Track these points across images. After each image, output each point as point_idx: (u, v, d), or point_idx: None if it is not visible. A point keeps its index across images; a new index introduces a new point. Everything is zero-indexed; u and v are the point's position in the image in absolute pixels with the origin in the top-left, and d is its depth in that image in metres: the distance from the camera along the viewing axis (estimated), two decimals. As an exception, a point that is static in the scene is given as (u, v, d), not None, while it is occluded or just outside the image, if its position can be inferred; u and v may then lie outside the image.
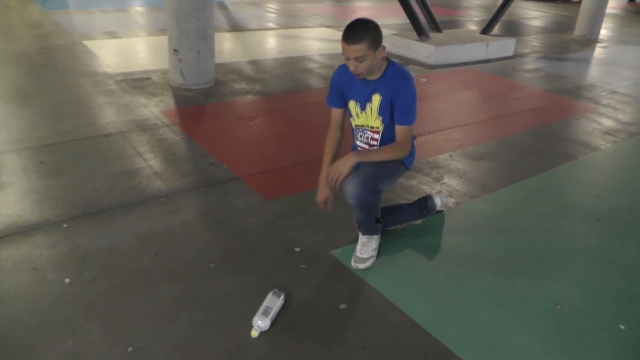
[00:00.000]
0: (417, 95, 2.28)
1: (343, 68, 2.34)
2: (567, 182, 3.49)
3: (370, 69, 2.20)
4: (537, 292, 2.30)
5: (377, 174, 2.29)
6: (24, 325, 1.94)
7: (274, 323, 2.00)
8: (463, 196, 3.15)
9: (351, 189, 2.22)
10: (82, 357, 1.81)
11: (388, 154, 2.31)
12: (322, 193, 2.36)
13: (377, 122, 2.34)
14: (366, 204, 2.29)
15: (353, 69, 2.16)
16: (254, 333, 1.94)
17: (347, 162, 2.20)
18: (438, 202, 2.82)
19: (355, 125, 2.44)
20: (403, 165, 2.43)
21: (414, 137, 2.49)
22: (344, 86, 2.36)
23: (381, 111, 2.29)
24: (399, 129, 2.30)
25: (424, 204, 2.77)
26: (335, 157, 2.39)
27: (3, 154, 3.32)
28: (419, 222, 2.79)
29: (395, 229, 2.69)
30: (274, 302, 2.05)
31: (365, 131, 2.41)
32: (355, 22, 2.13)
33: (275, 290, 2.12)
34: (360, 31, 2.09)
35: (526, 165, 3.65)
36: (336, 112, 2.46)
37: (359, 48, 2.08)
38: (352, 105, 2.39)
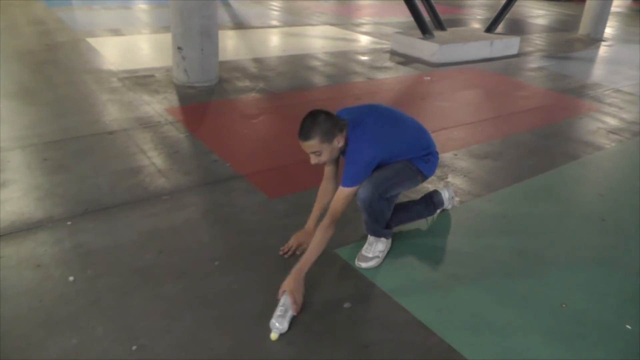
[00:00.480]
0: (366, 161, 2.17)
1: None
2: (571, 182, 3.47)
3: (331, 159, 2.20)
4: (542, 292, 2.29)
5: (390, 179, 2.29)
6: (28, 323, 1.94)
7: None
8: (467, 195, 3.13)
9: (361, 191, 2.21)
10: (86, 355, 1.81)
11: (319, 244, 2.13)
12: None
13: None
14: (373, 208, 2.28)
15: (313, 162, 2.16)
16: (274, 335, 1.92)
17: (300, 281, 2.09)
18: (445, 195, 2.80)
19: None
20: (420, 174, 2.41)
21: (436, 157, 2.47)
22: None
23: None
24: (337, 192, 2.20)
25: (430, 199, 2.74)
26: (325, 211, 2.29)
27: (6, 151, 3.33)
28: (425, 220, 2.78)
29: (400, 228, 2.68)
30: (290, 303, 2.02)
31: None
32: (305, 118, 2.11)
33: None
34: (310, 127, 2.07)
35: (530, 164, 3.64)
36: (327, 166, 2.42)
37: (312, 144, 2.09)
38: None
